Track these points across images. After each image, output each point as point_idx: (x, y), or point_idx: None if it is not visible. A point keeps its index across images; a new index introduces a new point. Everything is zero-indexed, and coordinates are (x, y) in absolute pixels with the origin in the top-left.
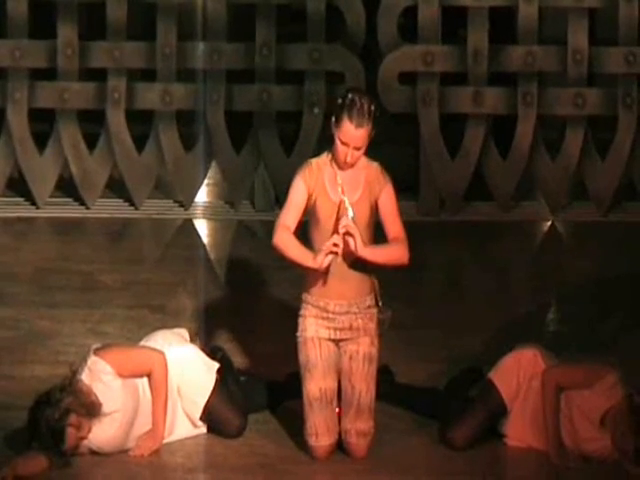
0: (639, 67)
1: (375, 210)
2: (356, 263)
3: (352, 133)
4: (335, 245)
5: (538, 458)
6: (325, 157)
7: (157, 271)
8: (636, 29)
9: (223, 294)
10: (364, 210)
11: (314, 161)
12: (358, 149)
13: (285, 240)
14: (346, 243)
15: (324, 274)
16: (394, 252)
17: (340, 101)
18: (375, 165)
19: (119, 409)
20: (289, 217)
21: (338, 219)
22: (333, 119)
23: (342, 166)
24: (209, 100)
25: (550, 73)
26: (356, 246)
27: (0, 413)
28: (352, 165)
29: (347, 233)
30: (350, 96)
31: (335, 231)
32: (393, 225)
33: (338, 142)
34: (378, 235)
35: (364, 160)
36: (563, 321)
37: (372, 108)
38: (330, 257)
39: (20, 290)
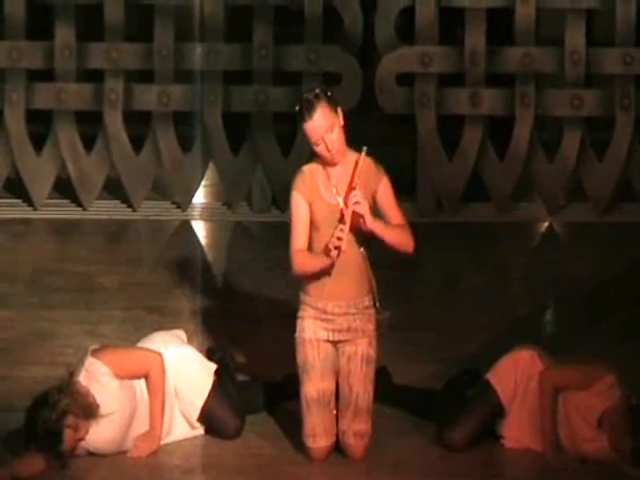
0: (636, 68)
1: (373, 205)
2: (354, 264)
3: (312, 126)
4: (339, 239)
5: (535, 459)
6: (316, 163)
7: (154, 272)
8: (633, 30)
9: (220, 295)
10: None
11: (306, 168)
12: (331, 131)
13: (301, 263)
14: (355, 219)
15: (322, 275)
16: (401, 235)
17: (297, 119)
18: (368, 159)
19: (116, 410)
20: (299, 240)
21: (341, 218)
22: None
23: (330, 161)
24: (206, 101)
25: (547, 74)
26: (365, 220)
27: None
28: (339, 153)
29: (356, 206)
30: (297, 107)
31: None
32: (394, 215)
33: (314, 147)
34: (377, 240)
35: (355, 156)
36: (560, 322)
37: (317, 92)
38: (339, 250)
39: (17, 291)
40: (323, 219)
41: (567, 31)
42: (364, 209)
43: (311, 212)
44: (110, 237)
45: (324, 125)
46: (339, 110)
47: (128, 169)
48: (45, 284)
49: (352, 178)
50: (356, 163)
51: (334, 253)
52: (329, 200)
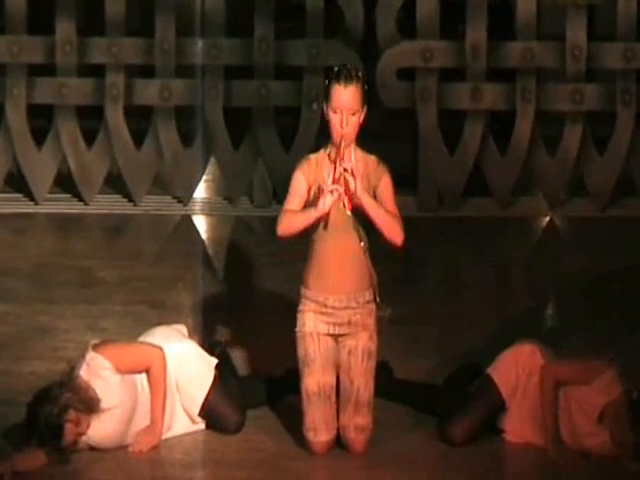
0: (638, 63)
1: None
2: (355, 258)
3: (342, 93)
4: (335, 181)
5: (536, 454)
6: (323, 153)
7: (156, 267)
8: (634, 25)
9: (221, 290)
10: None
11: (312, 157)
12: (352, 114)
13: (288, 221)
14: (347, 239)
15: (324, 268)
16: (391, 221)
17: (327, 80)
18: (373, 157)
19: (118, 405)
20: (292, 204)
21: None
22: (324, 104)
23: (336, 139)
24: (208, 96)
25: (549, 69)
26: (355, 187)
27: None
28: (348, 138)
29: (346, 172)
30: (336, 69)
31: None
32: (389, 208)
33: (331, 114)
34: (378, 234)
35: (361, 153)
36: (561, 316)
37: (359, 73)
38: (332, 198)
39: (19, 286)
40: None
41: (568, 26)
42: (354, 181)
43: (313, 201)
44: (111, 232)
45: (351, 101)
46: (365, 107)
47: (129, 164)
48: (46, 279)
49: (338, 152)
50: (339, 144)
51: (329, 199)
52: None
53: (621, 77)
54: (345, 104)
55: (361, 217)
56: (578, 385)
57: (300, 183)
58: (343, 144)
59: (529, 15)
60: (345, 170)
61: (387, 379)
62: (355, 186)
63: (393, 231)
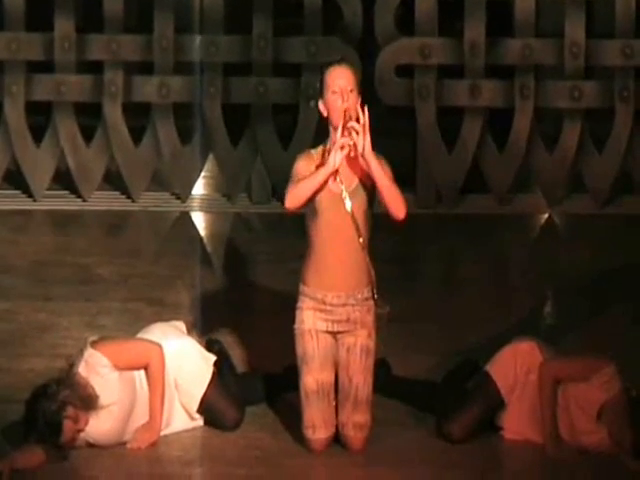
0: (636, 60)
1: (372, 197)
2: (354, 255)
3: (337, 72)
4: (346, 134)
5: (535, 451)
6: (322, 148)
7: (154, 264)
8: (633, 22)
9: (220, 287)
10: (362, 198)
11: (313, 150)
12: (350, 91)
13: (294, 190)
14: (346, 236)
15: (322, 265)
16: (395, 192)
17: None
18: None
19: (116, 402)
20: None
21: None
22: (320, 101)
23: (336, 119)
24: (206, 93)
25: (547, 66)
26: (364, 147)
27: None
28: (354, 113)
29: (355, 131)
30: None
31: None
32: None
33: (331, 96)
34: (377, 231)
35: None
36: (560, 313)
37: (354, 65)
38: (342, 153)
39: (17, 283)
40: (324, 207)
41: (567, 23)
42: (363, 140)
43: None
44: (109, 228)
45: (347, 78)
46: (360, 97)
47: (128, 160)
48: (44, 276)
49: (344, 124)
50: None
51: (339, 155)
52: (332, 187)
53: (620, 74)
54: (342, 81)
55: (359, 213)
56: (577, 382)
57: (303, 168)
58: (348, 116)
59: (528, 12)
60: (353, 129)
61: (386, 376)
62: (363, 145)
63: (397, 202)
